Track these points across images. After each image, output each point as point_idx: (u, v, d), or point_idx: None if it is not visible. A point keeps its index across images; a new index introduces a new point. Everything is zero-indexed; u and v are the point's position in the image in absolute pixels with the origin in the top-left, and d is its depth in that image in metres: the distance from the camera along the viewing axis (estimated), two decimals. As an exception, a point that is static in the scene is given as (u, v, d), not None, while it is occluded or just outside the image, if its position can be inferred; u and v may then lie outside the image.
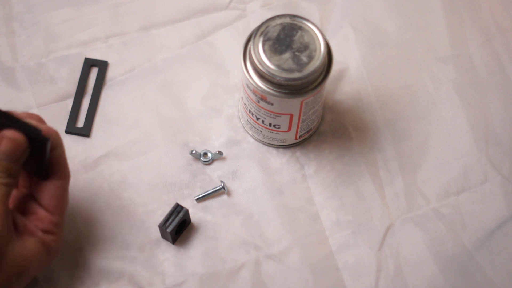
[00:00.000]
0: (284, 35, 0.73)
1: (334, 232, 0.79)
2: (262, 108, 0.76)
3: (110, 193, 0.79)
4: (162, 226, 0.75)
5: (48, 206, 0.71)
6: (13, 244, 0.68)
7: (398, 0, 0.88)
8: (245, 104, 0.78)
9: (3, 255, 0.67)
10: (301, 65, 0.72)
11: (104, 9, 0.87)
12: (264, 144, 0.82)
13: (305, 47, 0.73)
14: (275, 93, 0.73)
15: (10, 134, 0.67)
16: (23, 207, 0.71)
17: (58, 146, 0.70)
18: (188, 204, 0.79)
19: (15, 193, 0.73)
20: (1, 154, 0.67)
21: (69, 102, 0.83)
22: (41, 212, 0.71)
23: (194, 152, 0.80)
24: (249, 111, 0.78)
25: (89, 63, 0.84)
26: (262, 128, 0.79)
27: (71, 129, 0.81)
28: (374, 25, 0.87)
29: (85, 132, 0.82)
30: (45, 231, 0.70)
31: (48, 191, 0.70)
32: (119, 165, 0.80)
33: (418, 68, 0.85)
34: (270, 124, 0.78)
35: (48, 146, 0.68)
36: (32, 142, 0.68)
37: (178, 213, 0.76)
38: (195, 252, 0.77)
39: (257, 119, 0.78)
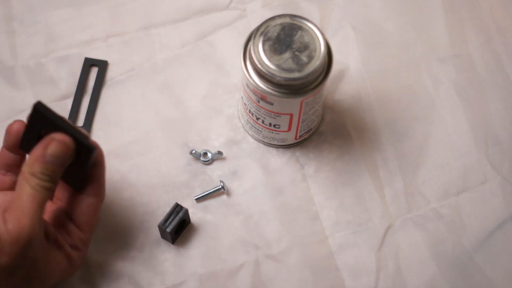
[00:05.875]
0: (284, 35, 0.73)
1: (334, 232, 0.79)
2: (262, 108, 0.76)
3: (110, 193, 0.79)
4: (162, 226, 0.75)
5: (78, 222, 0.70)
6: (41, 250, 0.67)
7: (398, 0, 0.88)
8: (245, 104, 0.78)
9: (30, 258, 0.65)
10: (301, 65, 0.72)
11: (104, 9, 0.87)
12: (264, 144, 0.82)
13: (305, 47, 0.73)
14: (275, 93, 0.73)
15: (60, 137, 0.66)
16: (56, 219, 0.71)
17: (99, 163, 0.70)
18: (188, 204, 0.79)
19: (49, 206, 0.72)
20: (49, 156, 0.65)
21: (69, 102, 0.83)
22: (71, 227, 0.70)
23: (194, 152, 0.80)
24: (249, 111, 0.78)
25: (89, 63, 0.84)
26: (262, 128, 0.79)
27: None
28: (374, 25, 0.87)
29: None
30: (72, 246, 0.70)
31: (80, 206, 0.70)
32: (119, 165, 0.80)
33: (418, 68, 0.85)
34: (270, 124, 0.78)
35: (94, 155, 0.67)
36: (78, 149, 0.67)
37: (178, 213, 0.76)
38: (195, 252, 0.77)
39: (257, 119, 0.78)
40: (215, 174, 0.80)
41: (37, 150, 0.66)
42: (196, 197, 0.79)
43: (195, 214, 0.79)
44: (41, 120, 0.67)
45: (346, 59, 0.85)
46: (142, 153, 0.81)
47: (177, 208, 0.76)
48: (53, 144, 0.66)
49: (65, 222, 0.70)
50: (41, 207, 0.65)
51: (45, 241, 0.67)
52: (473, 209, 0.79)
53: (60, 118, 0.67)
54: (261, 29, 0.73)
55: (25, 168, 0.66)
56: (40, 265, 0.67)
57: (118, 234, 0.78)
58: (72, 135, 0.66)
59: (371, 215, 0.79)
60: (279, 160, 0.81)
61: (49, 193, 0.66)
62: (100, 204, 0.71)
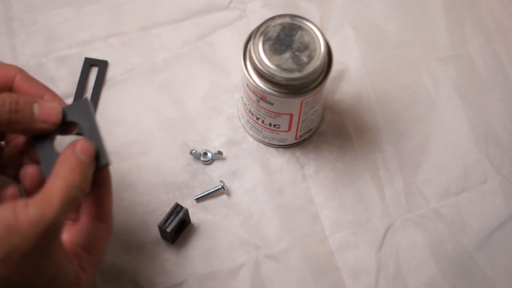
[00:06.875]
0: (284, 35, 0.73)
1: (334, 232, 0.79)
2: (262, 108, 0.76)
3: (110, 193, 0.79)
4: (162, 226, 0.75)
5: (86, 245, 0.65)
6: (56, 252, 0.61)
7: (398, 0, 0.88)
8: (245, 104, 0.78)
9: (45, 254, 0.60)
10: (301, 65, 0.72)
11: (104, 9, 0.87)
12: (264, 144, 0.82)
13: (305, 47, 0.73)
14: (275, 93, 0.73)
15: (83, 139, 0.64)
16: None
17: (105, 185, 0.67)
18: (188, 204, 0.79)
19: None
20: (79, 153, 0.63)
21: (69, 102, 0.83)
22: (78, 249, 0.65)
23: (194, 152, 0.80)
24: (249, 111, 0.78)
25: (89, 63, 0.84)
26: (262, 128, 0.79)
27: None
28: (374, 25, 0.87)
29: (85, 132, 0.81)
30: (80, 266, 0.64)
31: (88, 230, 0.66)
32: (119, 165, 0.80)
33: (418, 68, 0.85)
34: (270, 124, 0.78)
35: (102, 168, 0.65)
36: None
37: (178, 213, 0.76)
38: (195, 252, 0.77)
39: (257, 119, 0.78)
40: (215, 174, 0.80)
41: (68, 148, 0.64)
42: (196, 197, 0.79)
43: (195, 214, 0.79)
44: (78, 113, 0.65)
45: (346, 59, 0.85)
46: (142, 153, 0.81)
47: (177, 208, 0.76)
48: (80, 142, 0.64)
49: (71, 246, 0.66)
50: (68, 205, 0.61)
51: (61, 246, 0.63)
52: (473, 209, 0.79)
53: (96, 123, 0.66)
54: (261, 29, 0.73)
55: (57, 167, 0.63)
56: (50, 269, 0.62)
57: (118, 234, 0.78)
58: (97, 141, 0.65)
59: (371, 215, 0.79)
60: (279, 160, 0.81)
61: (79, 195, 0.62)
62: (108, 230, 0.66)
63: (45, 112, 0.65)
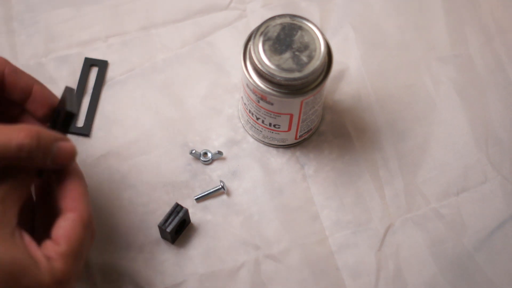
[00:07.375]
0: (284, 35, 0.73)
1: (334, 232, 0.79)
2: (262, 108, 0.76)
3: (110, 193, 0.79)
4: (162, 226, 0.75)
5: (54, 237, 0.62)
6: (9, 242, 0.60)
7: (398, 0, 0.88)
8: (245, 104, 0.78)
9: None
10: (301, 65, 0.72)
11: (104, 9, 0.87)
12: (264, 144, 0.82)
13: (305, 47, 0.73)
14: (275, 93, 0.73)
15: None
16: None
17: (69, 174, 0.64)
18: (188, 204, 0.79)
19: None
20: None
21: (69, 102, 0.83)
22: (45, 242, 0.62)
23: (194, 152, 0.80)
24: (249, 111, 0.78)
25: (89, 63, 0.84)
26: (262, 128, 0.79)
27: (71, 128, 0.81)
28: (374, 25, 0.87)
29: (85, 131, 0.82)
30: (46, 257, 0.61)
31: (57, 222, 0.62)
32: (119, 165, 0.80)
33: (418, 68, 0.85)
34: (270, 124, 0.78)
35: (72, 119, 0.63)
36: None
37: (178, 213, 0.76)
38: (195, 252, 0.77)
39: (257, 119, 0.78)
40: (215, 174, 0.80)
41: None
42: (196, 197, 0.79)
43: (195, 214, 0.79)
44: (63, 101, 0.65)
45: (346, 59, 0.85)
46: (142, 153, 0.81)
47: (177, 208, 0.76)
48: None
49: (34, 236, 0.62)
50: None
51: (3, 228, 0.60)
52: (473, 209, 0.79)
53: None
54: (261, 29, 0.73)
55: None
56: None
57: (118, 234, 0.78)
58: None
59: (371, 215, 0.79)
60: (279, 160, 0.81)
61: (15, 182, 0.61)
62: (77, 219, 0.62)
63: (61, 156, 0.63)
